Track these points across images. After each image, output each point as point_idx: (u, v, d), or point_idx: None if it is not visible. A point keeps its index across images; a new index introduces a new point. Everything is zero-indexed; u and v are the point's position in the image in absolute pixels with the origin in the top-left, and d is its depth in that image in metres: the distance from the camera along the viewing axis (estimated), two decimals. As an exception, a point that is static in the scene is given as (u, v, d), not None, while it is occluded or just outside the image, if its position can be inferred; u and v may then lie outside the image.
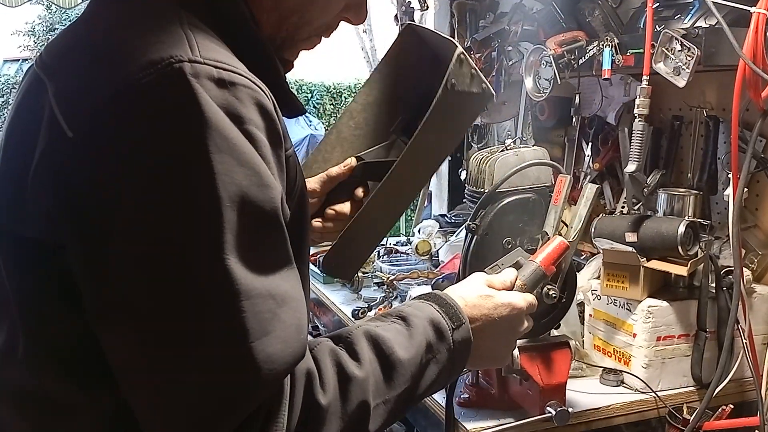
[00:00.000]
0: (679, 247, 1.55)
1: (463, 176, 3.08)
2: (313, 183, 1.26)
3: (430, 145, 1.10)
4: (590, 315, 1.77)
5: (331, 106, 10.19)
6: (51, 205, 0.75)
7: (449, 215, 3.11)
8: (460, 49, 1.05)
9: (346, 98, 10.17)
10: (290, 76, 1.00)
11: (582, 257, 2.09)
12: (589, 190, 1.32)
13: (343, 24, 1.01)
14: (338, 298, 2.35)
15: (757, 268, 1.81)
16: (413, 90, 1.24)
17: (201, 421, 0.73)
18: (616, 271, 1.66)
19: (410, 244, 2.83)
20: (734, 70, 1.49)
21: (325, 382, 0.80)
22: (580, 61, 1.97)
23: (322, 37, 1.00)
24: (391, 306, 2.20)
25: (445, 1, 3.00)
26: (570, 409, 1.45)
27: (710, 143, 1.92)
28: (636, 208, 1.95)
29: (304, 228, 0.92)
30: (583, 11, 2.03)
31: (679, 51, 1.63)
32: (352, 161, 1.27)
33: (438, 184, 3.45)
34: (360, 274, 2.38)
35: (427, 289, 2.15)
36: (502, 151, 1.50)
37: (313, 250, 2.66)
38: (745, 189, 1.58)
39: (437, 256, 2.64)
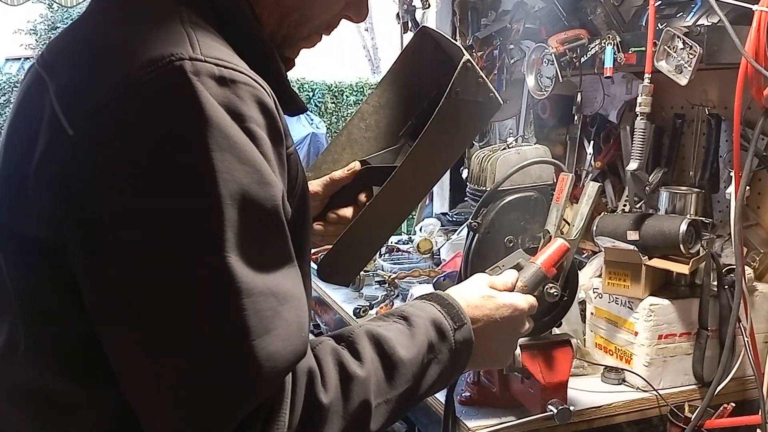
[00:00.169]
0: (681, 246, 1.55)
1: (464, 174, 3.08)
2: (315, 186, 1.26)
3: (432, 153, 1.09)
4: (592, 313, 1.77)
5: (333, 105, 10.19)
6: (52, 203, 0.75)
7: (451, 213, 3.11)
8: (466, 56, 1.04)
9: (347, 96, 10.17)
10: (292, 75, 1.00)
11: (584, 255, 2.09)
12: (591, 188, 1.32)
13: (344, 22, 1.01)
14: (340, 297, 2.35)
15: (759, 267, 1.80)
16: (426, 93, 1.23)
17: (202, 419, 0.73)
18: (617, 269, 1.66)
19: (412, 242, 2.83)
20: (736, 68, 1.49)
21: (327, 381, 0.80)
22: (582, 59, 1.96)
23: (323, 35, 1.00)
24: (393, 304, 2.20)
25: (447, -1, 2.99)
26: (571, 408, 1.45)
27: (712, 141, 1.92)
28: (638, 206, 1.95)
29: (306, 226, 0.92)
30: (585, 9, 2.02)
31: (681, 49, 1.63)
32: (356, 165, 1.27)
33: (439, 183, 3.45)
34: (361, 272, 2.38)
35: (429, 287, 2.15)
36: (504, 149, 1.50)
37: (314, 249, 2.66)
38: (747, 187, 1.57)
39: (439, 255, 2.64)
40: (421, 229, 2.88)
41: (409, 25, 2.86)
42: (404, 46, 1.28)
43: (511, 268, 1.14)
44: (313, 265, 2.57)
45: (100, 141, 0.73)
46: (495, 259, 1.19)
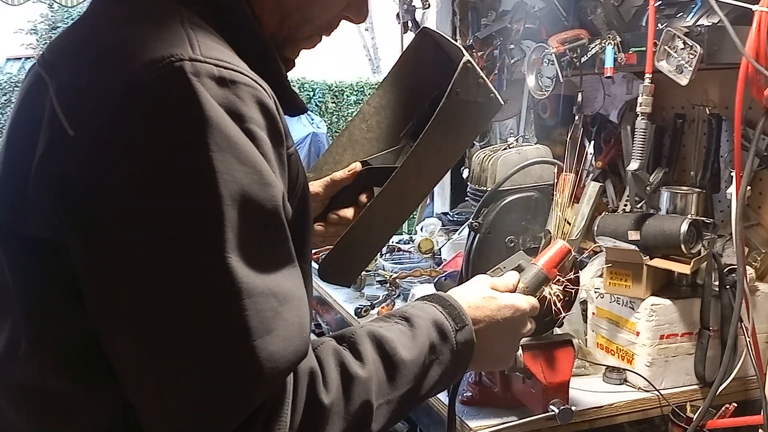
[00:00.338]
0: (682, 246, 1.55)
1: (465, 174, 3.07)
2: (316, 186, 1.26)
3: (433, 154, 1.09)
4: (593, 313, 1.77)
5: (333, 105, 10.19)
6: (52, 203, 0.75)
7: (452, 213, 3.11)
8: (467, 57, 1.04)
9: (348, 96, 10.17)
10: (292, 75, 1.00)
11: (585, 255, 2.09)
12: (592, 188, 1.32)
13: (344, 22, 1.01)
14: (341, 296, 2.35)
15: (760, 267, 1.80)
16: (426, 94, 1.23)
17: (203, 419, 0.73)
18: (619, 269, 1.65)
19: (413, 242, 2.82)
20: (737, 68, 1.49)
21: (328, 381, 0.80)
22: (583, 59, 1.96)
23: (324, 36, 1.00)
24: (394, 304, 2.20)
25: (447, -2, 2.99)
26: (573, 408, 1.44)
27: (713, 141, 1.92)
28: (639, 206, 1.95)
29: (306, 226, 0.92)
30: (585, 9, 2.02)
31: (681, 49, 1.62)
32: (356, 166, 1.27)
33: (440, 183, 3.44)
34: (362, 272, 2.38)
35: (430, 287, 2.15)
36: (505, 149, 1.50)
37: (315, 249, 2.66)
38: (748, 187, 1.57)
39: (440, 254, 2.64)
40: (422, 229, 2.88)
41: (409, 25, 2.86)
42: (405, 47, 1.28)
43: (512, 269, 1.15)
44: (314, 265, 2.56)
45: (100, 141, 0.73)
46: (496, 259, 1.19)
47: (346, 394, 0.81)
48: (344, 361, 0.83)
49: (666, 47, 1.65)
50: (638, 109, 1.69)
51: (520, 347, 1.40)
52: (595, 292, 1.75)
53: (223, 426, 0.73)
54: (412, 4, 2.84)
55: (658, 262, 1.60)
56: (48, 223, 0.76)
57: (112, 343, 0.76)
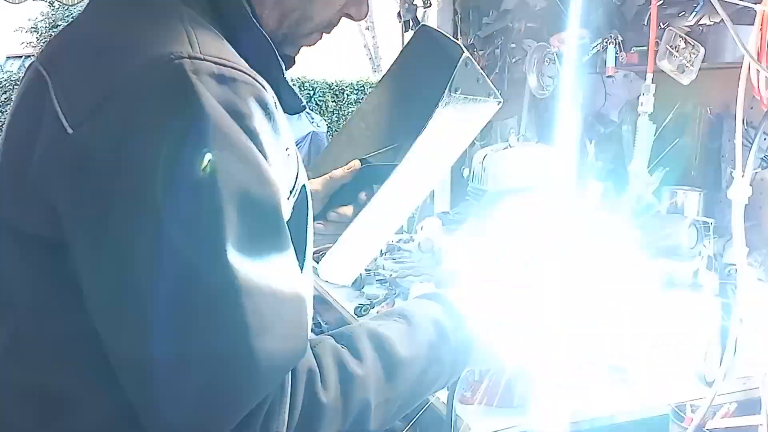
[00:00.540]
0: (683, 245, 1.54)
1: (465, 173, 3.07)
2: (315, 184, 1.26)
3: (432, 151, 1.09)
4: (593, 313, 1.77)
5: (334, 104, 10.20)
6: (51, 200, 0.75)
7: (452, 212, 3.11)
8: (466, 54, 1.03)
9: (348, 95, 10.18)
10: (293, 73, 1.00)
11: (585, 255, 2.08)
12: (594, 187, 1.31)
13: (345, 21, 1.01)
14: (341, 295, 2.35)
15: (761, 267, 1.80)
16: (426, 92, 1.23)
17: (201, 417, 0.73)
18: (619, 268, 1.65)
19: (413, 241, 2.82)
20: (739, 68, 1.48)
21: (327, 380, 0.80)
22: (584, 59, 1.96)
23: (324, 34, 1.00)
24: (394, 303, 2.20)
25: (448, -2, 2.99)
26: (573, 407, 1.44)
27: (714, 141, 1.92)
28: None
29: (306, 224, 0.92)
30: (586, 8, 2.02)
31: (683, 48, 1.62)
32: (355, 164, 1.27)
33: (441, 181, 3.44)
34: (363, 271, 2.38)
35: (430, 286, 2.15)
36: (506, 148, 1.50)
37: (315, 248, 2.65)
38: (749, 187, 1.57)
39: (440, 253, 2.63)
40: (422, 228, 2.88)
41: (410, 23, 2.86)
42: (404, 45, 1.28)
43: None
44: (314, 264, 2.55)
45: (99, 139, 0.72)
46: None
47: (344, 392, 0.81)
48: (342, 360, 0.83)
49: (668, 46, 1.65)
50: (639, 108, 1.69)
51: (520, 346, 1.40)
52: (596, 292, 1.75)
53: (221, 424, 0.73)
54: (414, 2, 2.84)
55: (659, 262, 1.60)
56: (48, 220, 0.75)
57: (111, 341, 0.76)
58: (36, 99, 0.79)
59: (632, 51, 1.80)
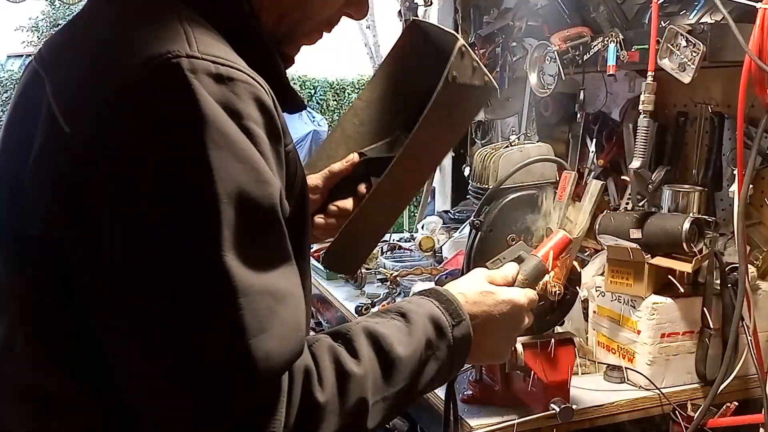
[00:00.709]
0: (684, 244, 1.54)
1: (466, 172, 3.07)
2: (315, 179, 1.26)
3: (430, 139, 1.09)
4: (594, 311, 1.77)
5: (335, 102, 10.19)
6: (48, 201, 0.74)
7: (453, 211, 3.11)
8: (461, 41, 1.04)
9: (349, 94, 10.16)
10: (294, 72, 1.00)
11: (586, 254, 2.08)
12: (594, 186, 1.31)
13: (346, 20, 1.01)
14: (341, 295, 2.35)
15: (762, 265, 1.80)
16: (418, 86, 1.23)
17: (197, 417, 0.73)
18: (620, 267, 1.65)
19: (413, 240, 2.82)
20: (740, 66, 1.48)
21: (323, 379, 0.80)
22: (585, 57, 1.96)
23: (324, 32, 1.00)
24: (394, 302, 2.20)
25: (449, -4, 2.99)
26: (574, 406, 1.44)
27: (715, 140, 1.92)
28: (640, 204, 1.95)
29: (305, 224, 0.91)
30: (587, 7, 2.02)
31: (684, 47, 1.62)
32: (354, 157, 1.27)
33: (441, 181, 3.45)
34: (363, 270, 2.38)
35: (431, 285, 2.14)
36: (507, 147, 1.50)
37: (316, 246, 2.66)
38: (750, 185, 1.57)
39: (440, 253, 2.63)
40: (423, 227, 2.88)
41: (412, 22, 2.86)
42: (395, 41, 1.28)
43: (512, 260, 1.14)
44: (315, 263, 2.56)
45: (96, 139, 0.72)
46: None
47: (341, 391, 0.81)
48: (339, 359, 0.83)
49: (669, 45, 1.64)
50: (640, 107, 1.69)
51: (521, 345, 1.40)
52: (596, 291, 1.75)
53: (217, 425, 0.73)
54: (414, 1, 2.84)
55: (660, 261, 1.60)
56: (44, 220, 0.75)
57: (107, 341, 0.75)
58: (33, 98, 0.79)
59: (633, 49, 1.80)
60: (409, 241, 2.88)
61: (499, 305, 1.02)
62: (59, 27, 0.91)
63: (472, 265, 1.40)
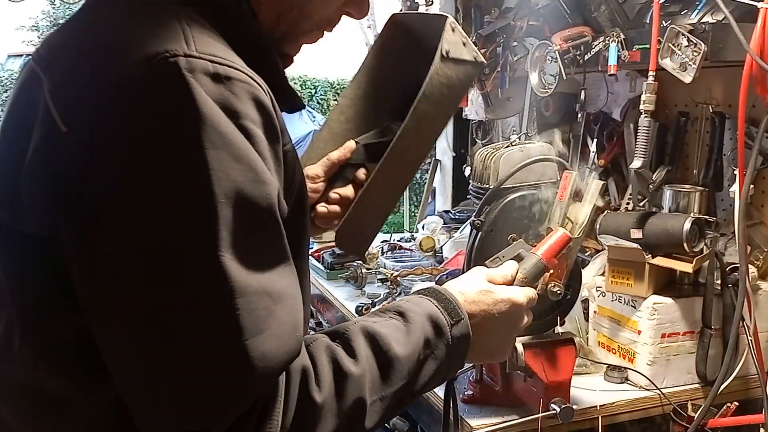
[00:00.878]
0: (685, 244, 1.54)
1: (467, 172, 3.07)
2: (315, 169, 1.26)
3: (430, 114, 1.09)
4: (595, 312, 1.77)
5: (335, 102, 10.18)
6: (45, 199, 0.74)
7: (453, 211, 3.11)
8: (450, 18, 1.05)
9: (350, 94, 10.15)
10: (294, 72, 1.00)
11: (587, 254, 2.08)
12: (595, 186, 1.31)
13: (347, 19, 1.01)
14: (342, 294, 2.35)
15: (763, 265, 1.80)
16: (401, 79, 1.24)
17: (195, 418, 0.73)
18: (621, 267, 1.65)
19: (414, 240, 2.82)
20: (741, 66, 1.48)
21: (321, 379, 0.80)
22: (586, 57, 1.96)
23: (325, 32, 1.00)
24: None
25: (450, -4, 2.98)
26: (574, 407, 1.44)
27: (716, 140, 1.92)
28: (641, 204, 1.95)
29: (303, 223, 0.91)
30: (588, 6, 2.01)
31: (685, 46, 1.62)
32: (351, 144, 1.27)
33: (442, 181, 3.44)
34: (364, 270, 2.38)
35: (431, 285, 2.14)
36: (507, 146, 1.50)
37: (315, 246, 2.65)
38: (751, 185, 1.57)
39: (441, 253, 2.63)
40: (423, 227, 2.88)
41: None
42: (377, 36, 1.29)
43: (511, 258, 1.13)
44: (314, 263, 2.55)
45: (93, 138, 0.72)
46: (497, 258, 1.18)
47: (339, 391, 0.80)
48: (337, 359, 0.82)
49: (670, 45, 1.64)
50: (641, 106, 1.69)
51: (521, 345, 1.40)
52: (597, 291, 1.75)
53: (214, 425, 0.73)
54: (415, 1, 2.83)
55: (661, 261, 1.60)
56: (41, 219, 0.75)
57: (104, 341, 0.75)
58: (31, 97, 0.79)
59: (634, 49, 1.79)
60: (410, 241, 2.87)
61: (498, 304, 1.02)
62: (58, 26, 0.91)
63: (472, 265, 1.39)
